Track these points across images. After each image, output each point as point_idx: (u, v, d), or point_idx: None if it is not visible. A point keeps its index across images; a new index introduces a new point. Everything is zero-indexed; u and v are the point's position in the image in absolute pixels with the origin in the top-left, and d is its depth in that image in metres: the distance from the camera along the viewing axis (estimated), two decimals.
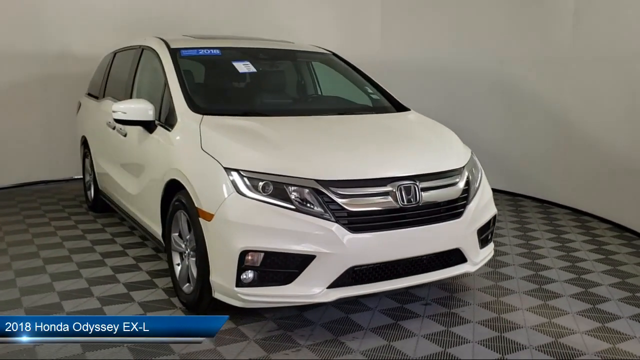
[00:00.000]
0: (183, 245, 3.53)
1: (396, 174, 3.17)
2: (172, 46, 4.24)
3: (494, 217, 3.67)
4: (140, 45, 4.71)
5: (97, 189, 5.64)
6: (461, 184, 3.41)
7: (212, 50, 4.30)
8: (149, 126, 3.86)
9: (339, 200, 2.98)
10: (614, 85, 5.58)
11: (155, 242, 4.06)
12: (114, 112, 3.89)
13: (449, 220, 3.28)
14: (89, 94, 6.16)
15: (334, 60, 4.81)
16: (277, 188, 3.00)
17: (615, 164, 5.56)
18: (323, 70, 4.96)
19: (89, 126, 5.65)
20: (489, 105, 6.94)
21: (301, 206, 2.96)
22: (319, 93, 5.11)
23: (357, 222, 3.00)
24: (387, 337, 3.17)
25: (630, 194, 5.32)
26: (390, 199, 3.10)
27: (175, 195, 3.52)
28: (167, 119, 3.80)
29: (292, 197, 2.97)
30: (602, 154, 5.71)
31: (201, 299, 3.27)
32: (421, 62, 7.51)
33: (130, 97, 4.59)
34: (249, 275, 2.99)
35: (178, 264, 3.63)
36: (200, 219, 3.14)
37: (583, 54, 5.88)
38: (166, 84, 3.94)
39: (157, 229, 3.91)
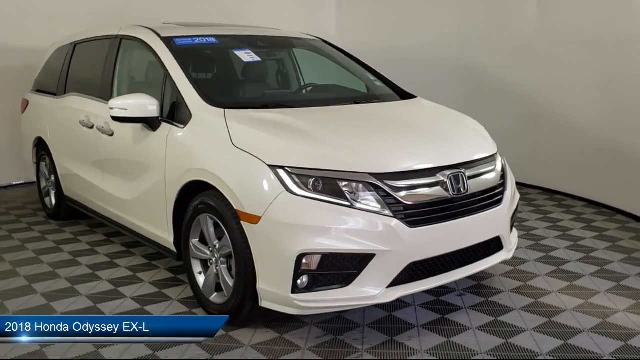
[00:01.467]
0: (208, 252, 3.23)
1: (444, 163, 3.03)
2: (163, 35, 3.87)
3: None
4: (117, 35, 4.28)
5: (59, 195, 5.12)
6: (498, 170, 3.34)
7: (208, 39, 3.96)
8: (151, 123, 3.50)
9: (395, 194, 2.81)
10: (583, 67, 5.75)
11: (160, 250, 3.71)
12: (111, 108, 3.49)
13: (492, 207, 3.20)
14: (38, 90, 5.60)
15: (323, 47, 4.60)
16: (328, 184, 2.78)
17: (586, 144, 5.74)
18: (309, 58, 4.73)
19: (47, 126, 5.11)
20: (451, 90, 6.95)
21: (357, 202, 2.76)
22: (302, 82, 4.89)
23: (414, 216, 2.85)
24: (443, 334, 3.05)
25: (606, 171, 5.51)
26: (441, 189, 2.96)
27: (195, 198, 3.21)
28: (174, 115, 3.45)
29: (346, 192, 2.77)
30: (573, 134, 5.87)
31: (241, 309, 3.00)
32: (378, 49, 7.43)
33: (111, 93, 4.16)
34: (304, 279, 2.77)
35: (200, 273, 3.33)
36: (243, 223, 2.86)
37: (548, 37, 6.02)
38: (167, 76, 3.59)
39: (164, 235, 3.57)
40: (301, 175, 2.78)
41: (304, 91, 4.38)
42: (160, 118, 3.49)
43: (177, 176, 3.31)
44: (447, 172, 2.99)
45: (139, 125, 3.62)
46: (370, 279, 2.78)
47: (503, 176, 3.38)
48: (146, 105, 3.43)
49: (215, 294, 3.23)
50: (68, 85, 4.92)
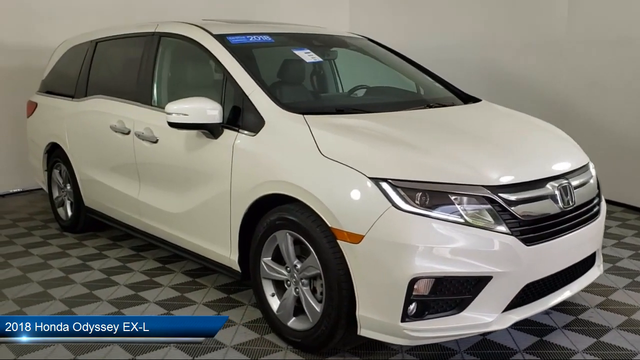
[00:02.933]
0: (285, 272, 2.92)
1: (552, 173, 2.78)
2: (215, 32, 3.53)
3: None
4: (154, 33, 3.91)
5: (78, 206, 4.72)
6: (594, 180, 3.11)
7: (262, 37, 3.64)
8: (213, 130, 3.16)
9: (510, 208, 2.54)
10: (616, 68, 5.60)
11: (215, 268, 3.38)
12: (168, 114, 3.14)
13: (593, 220, 2.97)
14: (48, 92, 5.17)
15: (370, 46, 4.30)
16: (438, 198, 2.49)
17: (619, 147, 5.58)
18: (354, 58, 4.43)
19: (64, 131, 4.70)
20: (474, 92, 6.72)
21: (471, 218, 2.49)
22: (340, 84, 4.59)
23: (529, 232, 2.58)
24: (548, 358, 2.80)
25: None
26: (551, 201, 2.71)
27: (270, 213, 2.90)
28: (237, 121, 3.12)
29: (459, 208, 2.49)
30: (605, 138, 5.71)
31: (331, 337, 2.70)
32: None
33: (151, 96, 3.80)
34: (414, 306, 2.48)
35: (273, 295, 3.01)
36: (340, 242, 2.56)
37: (579, 37, 5.84)
38: (227, 79, 3.25)
39: (224, 252, 3.24)
40: (408, 189, 2.49)
41: (356, 93, 4.06)
42: (222, 124, 3.16)
43: (247, 188, 2.99)
44: (556, 183, 2.74)
45: (193, 132, 3.28)
46: (485, 304, 2.51)
47: (598, 186, 3.15)
48: (209, 110, 3.09)
49: (294, 318, 2.91)
50: (90, 86, 4.52)
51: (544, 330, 3.08)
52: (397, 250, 2.42)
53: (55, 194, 5.11)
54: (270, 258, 2.99)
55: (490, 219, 2.50)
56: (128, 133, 3.86)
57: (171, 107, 3.14)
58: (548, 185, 2.72)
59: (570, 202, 2.77)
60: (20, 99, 6.25)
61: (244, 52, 3.41)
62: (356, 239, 2.50)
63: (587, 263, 3.03)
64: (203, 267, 3.99)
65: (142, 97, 3.85)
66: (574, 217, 2.81)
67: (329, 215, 2.59)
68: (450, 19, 6.88)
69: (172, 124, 3.16)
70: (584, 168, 3.06)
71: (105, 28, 4.74)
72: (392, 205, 2.45)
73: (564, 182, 2.78)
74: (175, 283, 3.78)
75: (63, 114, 4.73)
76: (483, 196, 2.51)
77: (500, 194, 2.53)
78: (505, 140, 3.05)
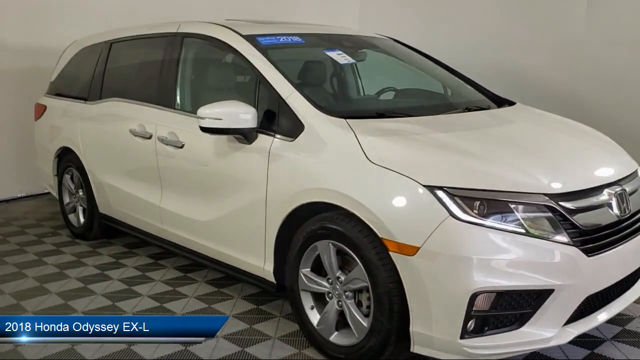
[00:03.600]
0: (326, 284, 2.78)
1: (607, 180, 2.67)
2: (244, 33, 3.39)
3: None
4: (176, 33, 3.76)
5: (92, 212, 4.56)
6: None
7: (292, 38, 3.50)
8: (247, 135, 3.01)
9: (571, 217, 2.42)
10: (634, 68, 5.52)
11: (250, 279, 3.23)
12: (201, 118, 2.99)
13: None
14: (58, 94, 5.01)
15: (395, 47, 4.16)
16: (497, 207, 2.37)
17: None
18: (379, 59, 4.29)
19: (77, 134, 4.53)
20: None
21: (532, 228, 2.36)
22: (361, 86, 4.45)
23: (590, 242, 2.46)
24: None
25: None
26: (608, 209, 2.59)
27: (310, 222, 2.76)
28: (271, 125, 2.98)
29: (520, 217, 2.36)
30: (626, 141, 5.60)
31: (380, 354, 2.56)
32: None
33: (175, 99, 3.65)
34: (473, 322, 2.35)
35: (312, 308, 2.88)
36: (392, 253, 2.42)
37: (598, 38, 5.74)
38: (260, 81, 3.11)
39: (257, 263, 3.10)
40: (465, 197, 2.36)
41: (416, 95, 3.87)
42: (256, 129, 3.01)
43: (285, 196, 2.85)
44: (612, 190, 2.63)
45: (224, 137, 3.14)
46: (546, 319, 2.39)
47: None
48: (243, 114, 2.94)
49: (336, 333, 2.78)
50: (105, 89, 4.36)
51: (593, 343, 2.96)
52: (457, 263, 2.29)
53: (66, 199, 4.94)
54: (309, 269, 2.86)
55: (551, 228, 2.38)
56: (150, 137, 3.71)
57: (204, 111, 2.99)
58: (605, 193, 2.60)
59: (626, 209, 2.65)
60: (23, 101, 6.11)
61: (275, 53, 3.26)
62: (411, 250, 2.37)
63: (638, 273, 2.92)
64: (226, 277, 3.85)
65: (165, 100, 3.70)
66: (630, 224, 2.69)
67: (379, 225, 2.46)
68: (464, 18, 6.76)
69: (204, 129, 3.02)
70: (635, 174, 2.95)
71: (120, 28, 4.58)
72: (450, 215, 2.32)
73: (619, 189, 2.67)
74: (199, 294, 3.63)
75: (76, 117, 4.57)
76: (544, 205, 2.39)
77: (560, 202, 2.41)
78: (556, 145, 2.93)
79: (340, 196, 2.60)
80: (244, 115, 2.94)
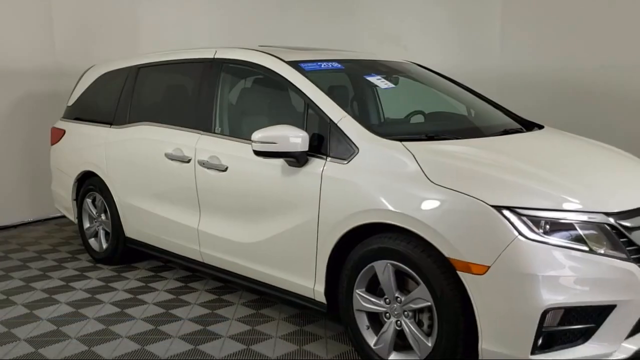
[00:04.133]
0: (384, 304, 2.83)
1: None
2: (287, 59, 3.47)
3: None
4: (212, 59, 3.82)
5: (117, 237, 4.55)
6: None
7: (332, 64, 3.59)
8: (299, 158, 3.07)
9: (630, 235, 2.52)
10: None
11: (299, 300, 3.26)
12: (254, 142, 3.05)
13: None
14: (77, 119, 5.02)
15: (419, 72, 4.27)
16: (560, 226, 2.46)
17: None
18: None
19: (102, 158, 4.53)
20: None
21: (594, 246, 2.46)
22: (381, 109, 4.55)
23: None
24: None
25: None
26: None
27: (368, 242, 2.83)
28: (325, 148, 3.05)
29: (582, 235, 2.46)
30: None
31: None
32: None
33: (214, 123, 3.70)
34: (541, 338, 2.42)
35: (368, 327, 2.92)
36: (461, 273, 2.49)
37: None
38: (309, 106, 3.18)
39: (307, 284, 3.14)
40: (532, 217, 2.45)
41: (456, 119, 3.92)
42: (307, 152, 3.08)
43: (338, 218, 2.91)
44: None
45: (272, 160, 3.19)
46: (608, 334, 2.47)
47: None
48: (296, 138, 3.01)
49: (394, 353, 2.83)
50: (133, 113, 4.39)
51: None
52: (527, 281, 2.37)
53: (87, 224, 4.92)
54: (364, 289, 2.91)
55: (611, 246, 2.47)
56: (188, 161, 3.74)
57: (257, 135, 3.05)
58: None
59: None
60: (32, 126, 6.11)
61: (319, 79, 3.34)
62: (481, 270, 2.44)
63: None
64: (262, 298, 3.88)
65: (203, 124, 3.74)
66: None
67: (446, 245, 2.53)
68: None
69: (257, 153, 3.07)
70: None
71: (144, 54, 4.63)
72: (519, 234, 2.40)
73: None
74: (240, 315, 3.65)
75: (100, 142, 4.58)
76: (604, 223, 2.49)
77: (619, 221, 2.52)
78: (603, 167, 3.05)
79: (401, 217, 2.67)
80: (296, 138, 3.01)
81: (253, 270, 3.46)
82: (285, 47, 4.05)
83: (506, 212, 2.45)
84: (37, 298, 4.00)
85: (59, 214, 6.14)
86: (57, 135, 5.17)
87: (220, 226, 3.62)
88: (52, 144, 5.26)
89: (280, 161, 3.18)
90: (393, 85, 3.58)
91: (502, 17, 6.12)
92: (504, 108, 3.98)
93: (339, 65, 3.61)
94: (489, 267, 2.42)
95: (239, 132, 3.67)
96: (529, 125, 3.73)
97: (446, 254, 2.53)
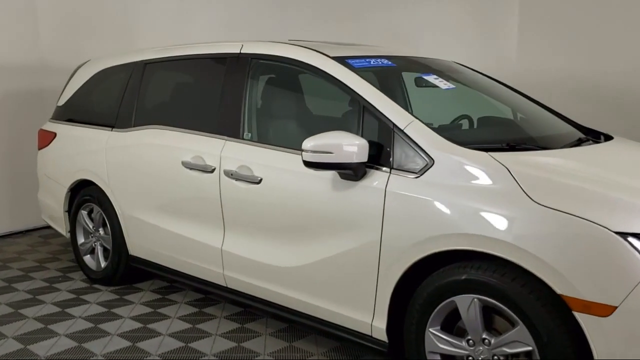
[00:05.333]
0: (466, 347, 2.38)
1: None
2: (332, 54, 3.00)
3: None
4: (239, 54, 3.33)
5: (119, 254, 4.01)
6: None
7: (382, 60, 3.13)
8: (357, 170, 2.60)
9: None
10: None
11: (350, 336, 2.78)
12: (306, 152, 2.57)
13: None
14: (71, 120, 4.47)
15: (461, 70, 3.81)
16: None
17: None
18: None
19: (102, 166, 4.00)
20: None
21: None
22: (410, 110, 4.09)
23: None
24: None
25: None
26: None
27: (446, 272, 2.38)
28: (387, 159, 2.58)
29: None
30: None
31: None
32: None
33: (242, 127, 3.20)
34: None
35: None
36: (579, 314, 2.06)
37: None
38: (366, 109, 2.71)
39: (363, 318, 2.68)
40: None
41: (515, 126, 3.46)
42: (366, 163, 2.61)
43: (408, 242, 2.45)
44: None
45: (320, 172, 2.72)
46: None
47: None
48: (354, 146, 2.54)
49: None
50: (139, 115, 3.86)
51: None
52: None
53: (81, 239, 4.37)
54: (439, 327, 2.46)
55: None
56: (211, 171, 3.24)
57: (309, 143, 2.58)
58: None
59: None
60: (14, 127, 5.55)
61: (372, 77, 2.89)
62: (605, 311, 2.01)
63: None
64: (290, 327, 3.40)
65: (228, 129, 3.25)
66: None
67: (557, 279, 2.09)
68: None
69: (309, 164, 2.60)
70: None
71: (151, 48, 4.10)
72: None
73: None
74: (272, 350, 3.16)
75: (100, 147, 4.03)
76: None
77: None
78: None
79: (497, 245, 2.22)
80: (353, 147, 2.54)
81: (290, 299, 2.98)
82: (312, 42, 3.58)
83: (633, 240, 2.02)
84: (31, 329, 3.45)
85: (42, 225, 5.60)
86: (46, 138, 4.61)
87: (250, 247, 3.13)
88: (40, 147, 4.69)
89: (329, 173, 2.71)
90: (452, 86, 3.13)
91: (520, 16, 5.85)
92: (556, 111, 3.56)
93: (390, 62, 3.15)
94: (615, 307, 1.99)
95: (275, 138, 3.19)
96: (589, 132, 3.32)
97: (558, 290, 2.09)
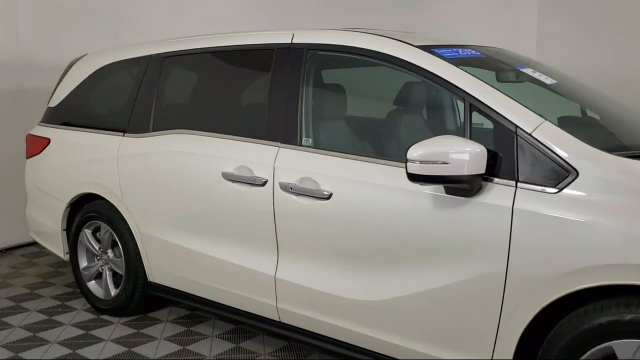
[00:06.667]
0: None
1: None
2: (416, 43, 2.50)
3: None
4: (290, 44, 2.79)
5: (133, 280, 3.42)
6: None
7: (469, 51, 2.64)
8: (474, 183, 2.11)
9: None
10: None
11: None
12: (412, 162, 2.06)
13: None
14: (67, 123, 3.85)
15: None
16: None
17: None
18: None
19: (114, 177, 3.40)
20: None
21: None
22: (458, 114, 3.65)
23: None
24: None
25: None
26: None
27: (592, 313, 1.91)
28: (514, 170, 2.10)
29: None
30: None
31: None
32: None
33: (300, 133, 2.66)
34: None
35: None
36: None
37: None
38: (473, 107, 2.22)
39: None
40: None
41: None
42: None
43: (547, 274, 1.97)
44: None
45: (418, 187, 2.22)
46: None
47: None
48: (474, 155, 2.05)
49: None
50: (161, 118, 3.28)
51: None
52: None
53: (83, 262, 3.75)
54: None
55: None
56: (262, 184, 2.69)
57: (416, 152, 2.07)
58: None
59: None
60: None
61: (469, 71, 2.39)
62: None
63: None
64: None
65: (282, 133, 2.71)
66: None
67: None
68: None
69: (414, 177, 2.09)
70: None
71: (169, 39, 3.51)
72: None
73: None
74: None
75: (110, 155, 3.43)
76: None
77: None
78: None
79: None
80: (470, 157, 2.05)
81: (371, 339, 2.46)
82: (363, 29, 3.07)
83: None
84: None
85: (24, 242, 4.97)
86: (37, 145, 3.96)
87: (315, 275, 2.60)
88: (30, 155, 4.04)
89: (428, 187, 2.21)
90: (555, 81, 2.66)
91: (539, 8, 5.52)
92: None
93: (477, 53, 2.67)
94: None
95: (344, 144, 2.67)
96: None
97: None
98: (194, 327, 3.43)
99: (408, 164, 2.08)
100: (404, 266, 2.32)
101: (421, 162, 2.06)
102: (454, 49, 2.55)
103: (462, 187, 2.11)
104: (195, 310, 3.64)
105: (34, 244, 5.08)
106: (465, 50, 2.61)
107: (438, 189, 2.20)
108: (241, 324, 3.36)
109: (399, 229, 2.31)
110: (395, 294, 2.35)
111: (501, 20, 5.58)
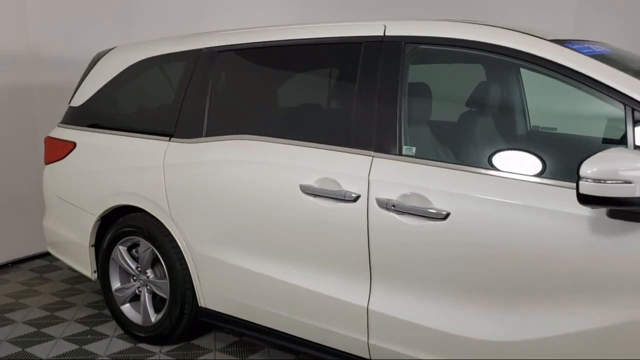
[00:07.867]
0: None
1: None
2: (549, 37, 2.14)
3: None
4: (382, 38, 2.40)
5: (180, 304, 3.01)
6: None
7: (598, 47, 2.29)
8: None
9: None
10: None
11: None
12: (586, 180, 1.70)
13: None
14: (95, 125, 3.42)
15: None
16: None
17: None
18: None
19: (162, 188, 2.97)
20: None
21: None
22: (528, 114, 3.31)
23: None
24: None
25: None
26: None
27: None
28: None
29: None
30: None
31: None
32: None
33: (400, 139, 2.28)
34: None
35: None
36: None
37: None
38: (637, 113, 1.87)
39: None
40: None
41: None
42: None
43: None
44: None
45: (557, 206, 1.86)
46: None
47: None
48: None
49: None
50: (216, 121, 2.87)
51: None
52: None
53: (116, 283, 3.32)
54: None
55: None
56: (354, 200, 2.30)
57: (591, 169, 1.70)
58: None
59: None
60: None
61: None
62: None
63: None
64: None
65: (376, 141, 2.32)
66: None
67: None
68: None
69: (586, 198, 1.72)
70: None
71: (224, 31, 3.08)
72: None
73: None
74: None
75: (154, 163, 3.01)
76: None
77: None
78: None
79: None
80: None
81: None
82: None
83: None
84: None
85: (31, 254, 4.56)
86: (60, 149, 3.51)
87: (422, 309, 2.22)
88: (50, 161, 3.59)
89: (582, 208, 1.85)
90: None
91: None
92: None
93: (608, 50, 2.32)
94: None
95: (459, 155, 2.30)
96: None
97: None
98: (248, 357, 3.03)
99: (581, 182, 1.71)
100: (547, 303, 1.95)
101: (598, 180, 1.69)
102: (585, 45, 2.20)
103: (627, 211, 1.76)
104: (243, 337, 3.25)
105: (41, 256, 4.64)
106: (598, 47, 2.26)
107: (595, 212, 1.84)
108: (297, 352, 2.97)
109: (542, 257, 1.94)
110: (536, 334, 1.99)
111: (536, 3, 5.27)
